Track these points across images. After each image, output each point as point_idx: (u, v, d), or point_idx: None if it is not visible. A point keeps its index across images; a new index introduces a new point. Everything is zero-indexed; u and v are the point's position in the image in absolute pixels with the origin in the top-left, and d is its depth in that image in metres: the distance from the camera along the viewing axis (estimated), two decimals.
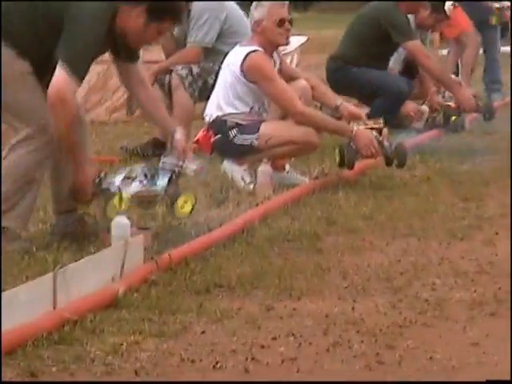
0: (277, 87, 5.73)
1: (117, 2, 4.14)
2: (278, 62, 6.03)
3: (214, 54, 6.76)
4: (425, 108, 7.95)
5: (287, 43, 6.17)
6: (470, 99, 7.24)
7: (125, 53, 4.38)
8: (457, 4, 9.70)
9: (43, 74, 4.16)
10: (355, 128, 5.86)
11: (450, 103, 7.66)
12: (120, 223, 4.12)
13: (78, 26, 4.06)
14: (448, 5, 8.61)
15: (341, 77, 6.86)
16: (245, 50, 5.79)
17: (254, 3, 5.85)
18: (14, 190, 4.14)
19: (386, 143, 5.98)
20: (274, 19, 5.75)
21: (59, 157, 4.30)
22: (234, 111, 5.78)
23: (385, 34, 7.40)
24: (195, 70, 6.72)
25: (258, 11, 5.80)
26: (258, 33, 5.81)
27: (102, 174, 4.43)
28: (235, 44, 6.15)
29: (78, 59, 4.07)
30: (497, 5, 11.05)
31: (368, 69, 7.49)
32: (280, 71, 5.97)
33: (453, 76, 8.32)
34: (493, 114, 7.32)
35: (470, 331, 3.23)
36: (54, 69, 4.03)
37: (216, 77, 6.15)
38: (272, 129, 5.76)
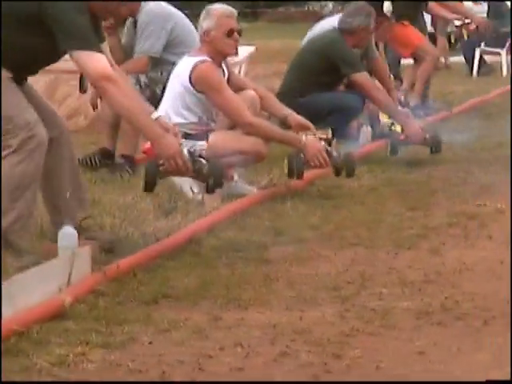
0: (225, 97, 5.71)
1: None
2: (226, 72, 6.01)
3: (161, 64, 6.74)
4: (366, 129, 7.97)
5: (236, 53, 6.14)
6: (417, 132, 7.26)
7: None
8: (405, 23, 9.76)
9: (21, 79, 4.14)
10: (304, 138, 5.87)
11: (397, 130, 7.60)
12: (67, 233, 4.08)
13: (64, 17, 3.97)
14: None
15: (294, 110, 6.83)
16: (193, 60, 5.77)
17: (203, 13, 5.82)
18: (12, 201, 4.08)
19: (334, 153, 5.99)
20: (224, 29, 5.73)
21: (51, 164, 4.25)
22: (183, 121, 5.72)
23: (333, 65, 7.46)
24: (142, 79, 6.70)
25: (206, 21, 5.77)
26: (207, 42, 5.79)
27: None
28: (183, 54, 6.16)
29: (86, 37, 3.98)
30: (457, 22, 11.11)
31: (317, 94, 7.51)
32: (228, 81, 5.95)
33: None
34: (439, 147, 7.31)
35: (417, 340, 3.26)
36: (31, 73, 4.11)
37: (164, 87, 6.13)
38: (220, 139, 5.73)
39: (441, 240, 5.01)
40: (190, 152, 4.49)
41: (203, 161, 4.62)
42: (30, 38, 4.05)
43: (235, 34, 5.82)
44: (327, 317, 3.60)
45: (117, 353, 3.16)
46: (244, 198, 5.80)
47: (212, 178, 4.56)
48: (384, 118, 7.73)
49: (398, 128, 7.50)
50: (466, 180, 6.10)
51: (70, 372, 2.95)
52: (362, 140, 7.89)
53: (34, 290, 3.61)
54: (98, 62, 3.97)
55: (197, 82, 5.72)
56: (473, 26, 12.76)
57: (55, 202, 4.42)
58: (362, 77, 7.27)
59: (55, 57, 4.28)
